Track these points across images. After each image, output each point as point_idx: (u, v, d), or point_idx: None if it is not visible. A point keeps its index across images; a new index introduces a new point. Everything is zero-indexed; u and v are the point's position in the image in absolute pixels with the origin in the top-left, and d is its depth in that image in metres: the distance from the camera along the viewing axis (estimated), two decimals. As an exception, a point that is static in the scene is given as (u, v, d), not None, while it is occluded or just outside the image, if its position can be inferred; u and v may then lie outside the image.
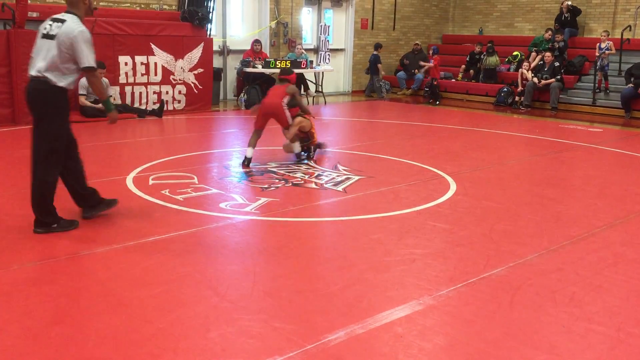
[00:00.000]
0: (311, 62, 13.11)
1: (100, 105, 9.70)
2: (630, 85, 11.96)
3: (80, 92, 9.56)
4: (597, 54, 13.14)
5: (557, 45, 13.67)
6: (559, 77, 12.87)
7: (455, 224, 4.96)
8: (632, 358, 2.96)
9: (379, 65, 14.90)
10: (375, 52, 14.92)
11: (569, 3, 14.36)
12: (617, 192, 6.21)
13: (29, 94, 4.38)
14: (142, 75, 10.57)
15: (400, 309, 3.38)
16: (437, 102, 13.99)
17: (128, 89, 10.44)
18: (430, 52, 14.94)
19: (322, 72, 13.65)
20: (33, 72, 4.35)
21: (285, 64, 12.25)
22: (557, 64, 12.98)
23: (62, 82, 4.35)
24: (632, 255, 4.36)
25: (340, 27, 15.45)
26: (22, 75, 9.10)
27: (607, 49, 13.18)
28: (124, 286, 3.58)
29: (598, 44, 13.30)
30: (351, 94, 15.54)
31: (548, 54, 13.07)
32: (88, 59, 4.36)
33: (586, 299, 3.60)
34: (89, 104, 9.64)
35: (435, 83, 14.22)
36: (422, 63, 15.17)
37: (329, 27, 14.13)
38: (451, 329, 3.20)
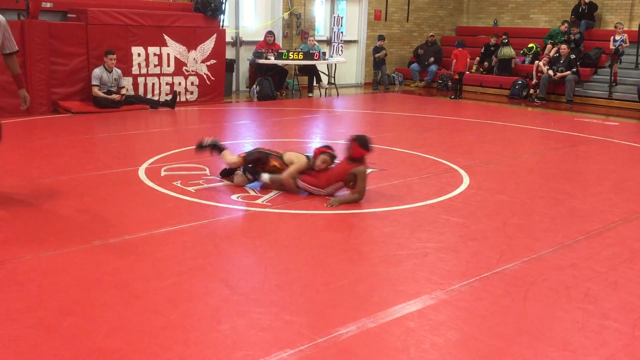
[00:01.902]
0: (324, 53, 13.05)
1: (114, 96, 9.74)
2: (648, 78, 11.80)
3: (94, 82, 9.58)
4: (611, 47, 12.96)
5: (573, 38, 13.50)
6: (574, 69, 12.72)
7: (468, 217, 4.91)
8: (647, 356, 2.92)
9: (376, 56, 14.78)
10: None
11: None
12: (634, 186, 6.13)
13: None
14: (155, 66, 10.58)
15: (412, 303, 3.36)
16: (454, 96, 13.46)
17: (141, 79, 10.46)
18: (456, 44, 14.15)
19: (335, 64, 13.59)
20: None
21: (298, 56, 12.22)
22: (572, 56, 12.82)
23: None
24: (649, 251, 4.30)
25: (354, 18, 15.36)
26: (36, 65, 9.16)
27: (623, 42, 13.00)
28: (135, 277, 3.58)
29: (612, 36, 13.12)
30: (364, 86, 15.47)
31: (564, 46, 12.91)
32: (15, 42, 4.56)
33: (601, 294, 3.55)
34: (102, 94, 9.66)
35: (456, 78, 13.54)
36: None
37: (342, 18, 14.06)
38: (463, 324, 3.17)
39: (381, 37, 14.84)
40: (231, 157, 5.62)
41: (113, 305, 3.23)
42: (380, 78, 14.87)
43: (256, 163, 5.52)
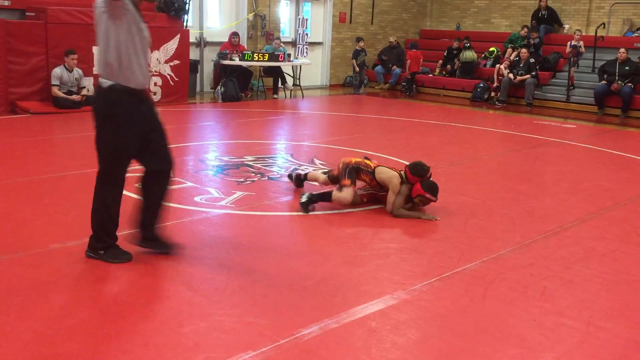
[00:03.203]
0: (289, 55, 13.06)
1: (74, 96, 9.54)
2: (604, 82, 12.14)
3: (53, 82, 9.38)
4: (567, 51, 13.33)
5: (533, 42, 13.81)
6: (534, 73, 13.01)
7: (430, 218, 4.98)
8: (601, 352, 3.01)
9: (353, 61, 14.98)
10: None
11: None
12: (589, 187, 6.31)
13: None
14: (117, 66, 10.40)
15: (374, 303, 3.39)
16: (410, 94, 14.31)
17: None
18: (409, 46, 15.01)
19: (300, 66, 13.61)
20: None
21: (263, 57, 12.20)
22: (532, 60, 13.12)
23: None
24: (603, 250, 4.43)
25: (319, 20, 15.40)
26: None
27: (579, 46, 13.36)
28: (95, 280, 3.53)
29: (570, 41, 13.48)
30: (329, 88, 15.53)
31: (524, 50, 13.19)
32: None
33: (557, 293, 3.65)
34: (62, 94, 9.47)
35: (409, 77, 14.48)
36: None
37: (307, 20, 14.08)
38: (424, 323, 3.22)
39: (359, 39, 14.97)
40: (343, 194, 5.05)
41: (72, 308, 3.18)
42: (352, 81, 15.04)
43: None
